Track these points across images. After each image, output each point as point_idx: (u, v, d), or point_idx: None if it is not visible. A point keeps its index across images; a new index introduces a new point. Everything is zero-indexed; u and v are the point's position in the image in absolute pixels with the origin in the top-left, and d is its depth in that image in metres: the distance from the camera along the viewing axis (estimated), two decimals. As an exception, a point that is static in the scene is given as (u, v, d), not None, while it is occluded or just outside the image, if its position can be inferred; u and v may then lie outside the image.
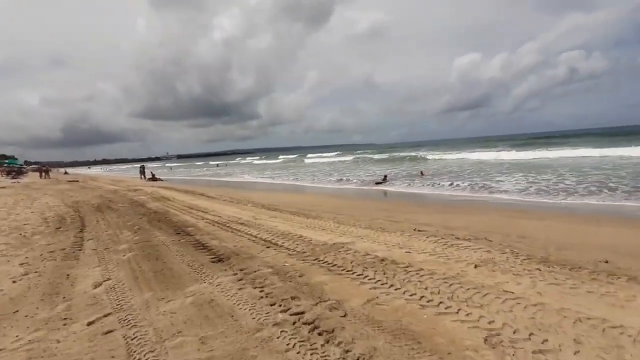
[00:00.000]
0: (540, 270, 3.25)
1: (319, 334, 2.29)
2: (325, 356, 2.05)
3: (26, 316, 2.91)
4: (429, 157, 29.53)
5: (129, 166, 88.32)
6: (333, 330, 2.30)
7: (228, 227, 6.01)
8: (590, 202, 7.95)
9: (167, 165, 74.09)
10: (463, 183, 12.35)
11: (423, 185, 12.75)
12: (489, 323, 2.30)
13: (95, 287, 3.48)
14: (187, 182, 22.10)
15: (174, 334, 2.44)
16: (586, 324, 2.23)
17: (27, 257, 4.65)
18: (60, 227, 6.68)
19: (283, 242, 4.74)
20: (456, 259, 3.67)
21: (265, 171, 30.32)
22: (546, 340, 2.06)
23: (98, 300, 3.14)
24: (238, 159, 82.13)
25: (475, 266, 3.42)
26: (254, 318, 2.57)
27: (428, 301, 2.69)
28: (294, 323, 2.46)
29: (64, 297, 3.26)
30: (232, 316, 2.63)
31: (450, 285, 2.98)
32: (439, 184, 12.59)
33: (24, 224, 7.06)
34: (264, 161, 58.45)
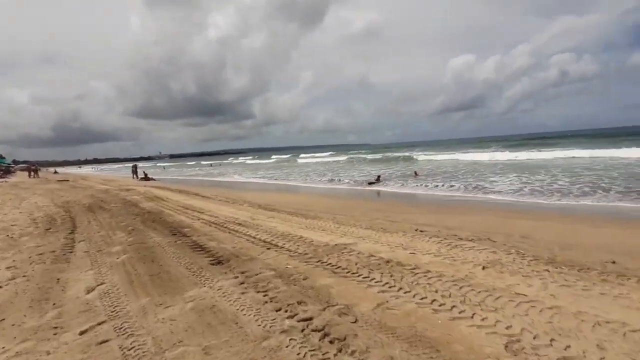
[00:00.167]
0: (549, 271, 3.19)
1: (331, 342, 2.16)
2: (339, 366, 1.93)
3: (13, 325, 2.71)
4: (423, 157, 29.63)
5: (120, 165, 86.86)
6: (345, 338, 2.18)
7: (225, 227, 5.84)
8: (585, 202, 8.02)
9: (159, 164, 72.96)
10: (457, 183, 12.37)
11: (416, 186, 12.73)
12: (507, 328, 2.21)
13: (88, 292, 3.29)
14: (180, 182, 21.75)
15: (175, 343, 2.28)
16: (606, 328, 2.17)
17: (14, 260, 4.41)
18: (50, 228, 6.41)
19: (283, 243, 4.60)
20: (462, 260, 3.60)
21: (258, 171, 30.12)
22: (569, 347, 1.98)
23: (91, 307, 2.95)
24: (230, 159, 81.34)
25: (483, 267, 3.35)
26: (259, 325, 2.43)
27: (440, 305, 2.59)
28: (302, 330, 2.33)
29: (54, 304, 3.06)
30: (237, 323, 2.49)
31: (461, 287, 2.89)
32: (432, 184, 12.58)
33: (12, 225, 6.76)
34: (257, 161, 58.02)
